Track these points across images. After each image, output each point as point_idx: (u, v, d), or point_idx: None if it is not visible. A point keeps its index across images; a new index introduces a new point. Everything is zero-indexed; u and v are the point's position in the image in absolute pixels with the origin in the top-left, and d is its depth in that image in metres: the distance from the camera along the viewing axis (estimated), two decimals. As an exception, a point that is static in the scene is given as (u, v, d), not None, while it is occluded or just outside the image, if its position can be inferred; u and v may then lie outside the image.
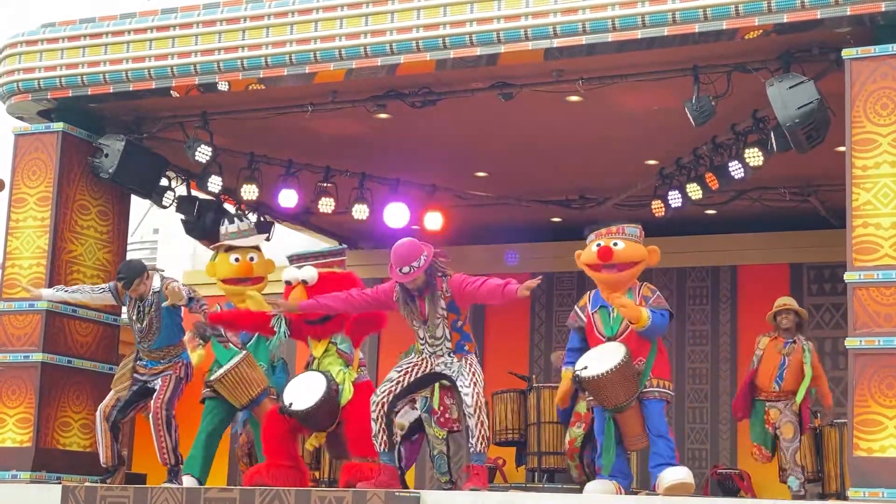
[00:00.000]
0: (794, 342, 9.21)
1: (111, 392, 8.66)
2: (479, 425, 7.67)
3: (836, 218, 11.44)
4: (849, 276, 7.68)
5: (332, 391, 7.93)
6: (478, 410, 7.67)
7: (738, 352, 12.51)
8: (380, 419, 7.80)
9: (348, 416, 8.00)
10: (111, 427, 8.58)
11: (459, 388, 7.78)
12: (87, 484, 8.46)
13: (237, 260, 9.32)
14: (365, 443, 7.85)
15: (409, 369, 7.88)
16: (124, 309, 8.70)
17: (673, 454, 7.83)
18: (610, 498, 7.67)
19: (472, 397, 7.67)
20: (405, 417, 9.79)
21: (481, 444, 7.70)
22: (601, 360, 7.74)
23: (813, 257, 12.44)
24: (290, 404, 7.87)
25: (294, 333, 8.23)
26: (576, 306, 8.12)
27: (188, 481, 8.57)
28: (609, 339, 7.87)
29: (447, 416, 10.10)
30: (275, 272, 9.53)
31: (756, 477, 11.05)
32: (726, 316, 12.73)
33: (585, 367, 7.74)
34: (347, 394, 7.96)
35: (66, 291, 8.85)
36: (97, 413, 8.67)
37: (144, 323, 8.47)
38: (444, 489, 9.96)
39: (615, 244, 7.92)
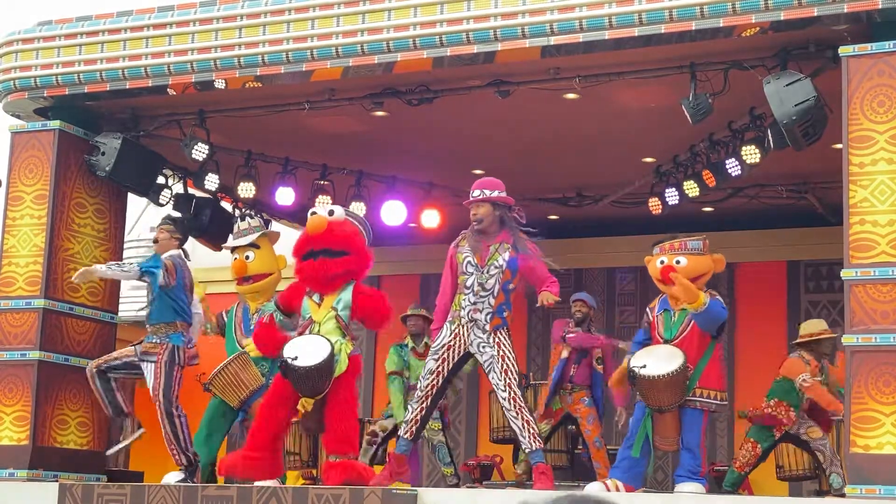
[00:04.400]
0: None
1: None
2: (525, 425, 7.71)
3: (833, 215, 11.43)
4: (846, 274, 7.68)
5: (333, 359, 7.69)
6: (518, 411, 7.69)
7: (736, 349, 12.51)
8: (420, 410, 7.84)
9: (335, 404, 7.81)
10: (99, 375, 8.67)
11: (494, 387, 7.80)
12: (83, 482, 8.46)
13: (235, 259, 9.36)
14: (348, 438, 7.80)
15: (445, 355, 7.81)
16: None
17: (697, 468, 7.90)
18: (607, 494, 7.68)
19: (509, 401, 7.69)
20: (390, 421, 9.83)
21: (535, 442, 7.73)
22: (659, 361, 7.83)
23: (810, 254, 12.44)
24: (295, 358, 7.60)
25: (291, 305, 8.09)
26: (648, 307, 8.30)
27: (176, 476, 8.53)
28: (667, 342, 7.99)
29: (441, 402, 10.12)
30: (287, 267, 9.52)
31: (753, 474, 11.05)
32: (724, 313, 12.71)
33: (644, 366, 7.81)
34: (343, 364, 7.72)
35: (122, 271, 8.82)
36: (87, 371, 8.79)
37: (147, 293, 8.70)
38: (450, 483, 9.98)
39: (677, 262, 8.05)
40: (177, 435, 8.46)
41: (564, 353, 9.92)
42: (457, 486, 10.05)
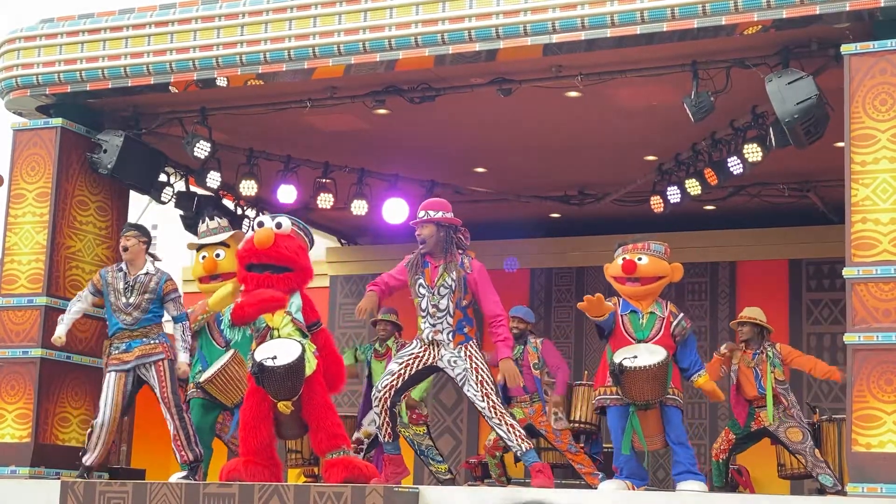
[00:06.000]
0: (761, 352, 9.39)
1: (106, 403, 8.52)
2: (509, 429, 7.71)
3: (834, 213, 11.45)
4: (847, 272, 7.68)
5: (304, 358, 7.68)
6: (500, 417, 7.70)
7: (737, 348, 12.50)
8: (383, 413, 7.83)
9: (313, 405, 7.80)
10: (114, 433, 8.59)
11: (471, 400, 7.80)
12: (85, 480, 8.44)
13: (204, 258, 9.31)
14: (337, 433, 7.78)
15: (410, 361, 7.84)
16: (110, 290, 8.63)
17: (693, 461, 8.06)
18: (608, 493, 7.70)
19: (489, 409, 7.70)
20: (373, 426, 9.80)
21: (524, 443, 7.72)
22: (644, 355, 7.97)
23: (812, 253, 12.45)
24: (274, 358, 7.58)
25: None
26: (608, 300, 8.36)
27: (182, 477, 8.55)
28: (640, 342, 8.15)
29: (417, 412, 10.09)
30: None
31: (755, 473, 11.06)
32: (725, 312, 12.72)
33: (635, 357, 7.95)
34: (312, 364, 7.72)
35: (69, 314, 8.69)
36: (99, 425, 8.50)
37: (133, 298, 8.48)
38: (444, 480, 9.98)
39: (639, 259, 8.26)
40: (187, 430, 8.43)
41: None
42: (452, 481, 10.05)
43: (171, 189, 11.03)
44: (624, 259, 8.28)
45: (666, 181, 11.14)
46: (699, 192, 10.72)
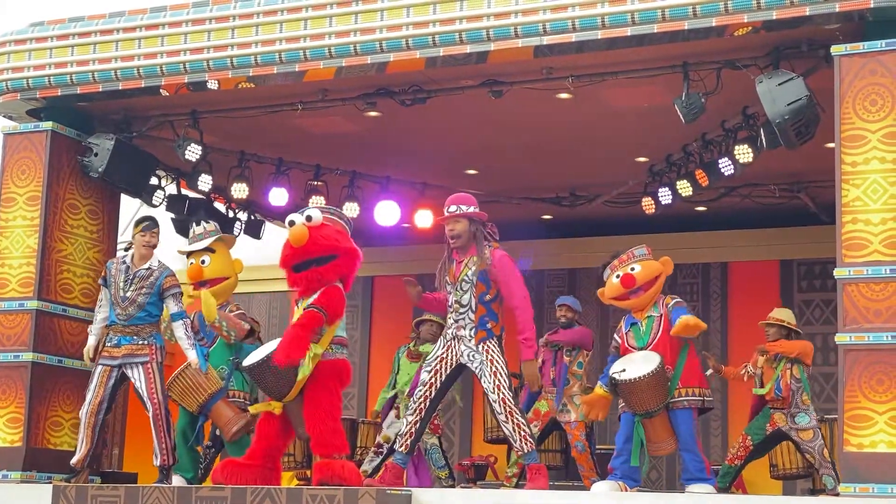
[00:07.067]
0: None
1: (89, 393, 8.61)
2: (515, 428, 7.72)
3: (825, 214, 11.46)
4: (838, 273, 7.69)
5: (264, 362, 7.60)
6: (508, 414, 7.71)
7: (729, 348, 12.53)
8: (414, 423, 7.87)
9: (307, 409, 7.70)
10: (98, 428, 8.58)
11: (485, 392, 7.83)
12: (77, 484, 8.44)
13: (191, 264, 9.31)
14: (329, 441, 7.68)
15: (438, 367, 7.87)
16: (112, 281, 8.63)
17: (701, 468, 8.05)
18: (601, 495, 7.71)
19: (500, 404, 7.72)
20: (392, 429, 9.79)
21: (526, 444, 7.74)
22: (637, 365, 8.01)
23: (803, 253, 12.48)
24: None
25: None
26: (615, 334, 8.46)
27: (177, 481, 8.58)
28: (640, 350, 8.19)
29: (434, 422, 10.07)
30: (246, 271, 9.50)
31: (748, 474, 11.06)
32: (717, 313, 12.75)
33: (623, 370, 7.99)
34: (306, 369, 7.58)
35: (96, 324, 8.73)
36: (83, 415, 8.58)
37: (130, 292, 8.50)
38: (445, 486, 9.98)
39: (633, 269, 8.30)
40: (170, 433, 8.48)
41: (539, 360, 9.76)
42: (452, 487, 10.04)
43: (163, 192, 11.03)
44: (619, 276, 8.32)
45: (657, 182, 11.16)
46: (690, 193, 10.73)
